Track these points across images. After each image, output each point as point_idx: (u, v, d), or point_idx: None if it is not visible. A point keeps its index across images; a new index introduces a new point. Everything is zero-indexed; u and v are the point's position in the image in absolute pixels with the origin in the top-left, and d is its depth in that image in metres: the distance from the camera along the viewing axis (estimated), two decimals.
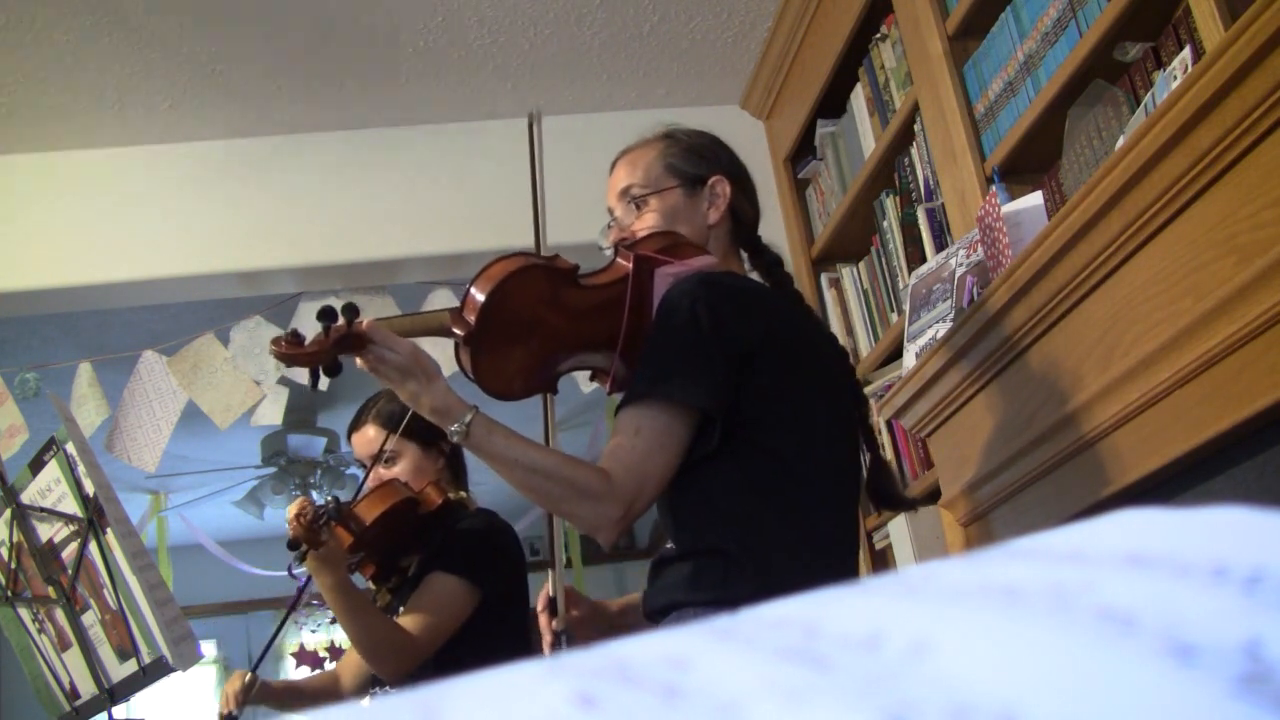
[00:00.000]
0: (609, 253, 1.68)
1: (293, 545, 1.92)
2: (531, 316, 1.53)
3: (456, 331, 1.47)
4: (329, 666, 6.35)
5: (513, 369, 1.53)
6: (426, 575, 2.14)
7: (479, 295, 1.48)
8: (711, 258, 1.62)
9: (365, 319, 1.43)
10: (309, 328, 1.42)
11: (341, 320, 1.40)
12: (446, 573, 2.13)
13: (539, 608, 1.72)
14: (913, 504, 1.94)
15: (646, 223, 1.68)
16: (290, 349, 1.39)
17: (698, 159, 1.73)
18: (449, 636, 2.10)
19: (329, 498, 2.01)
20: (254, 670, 2.14)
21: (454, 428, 1.44)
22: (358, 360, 1.43)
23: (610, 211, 1.75)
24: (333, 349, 1.39)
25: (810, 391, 1.56)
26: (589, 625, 1.73)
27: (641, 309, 1.57)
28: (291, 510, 1.94)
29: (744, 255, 1.78)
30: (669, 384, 1.46)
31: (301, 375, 1.56)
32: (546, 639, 1.68)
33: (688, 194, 1.70)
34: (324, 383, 1.43)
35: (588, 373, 1.67)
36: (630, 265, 1.58)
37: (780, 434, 1.52)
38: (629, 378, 1.55)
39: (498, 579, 2.19)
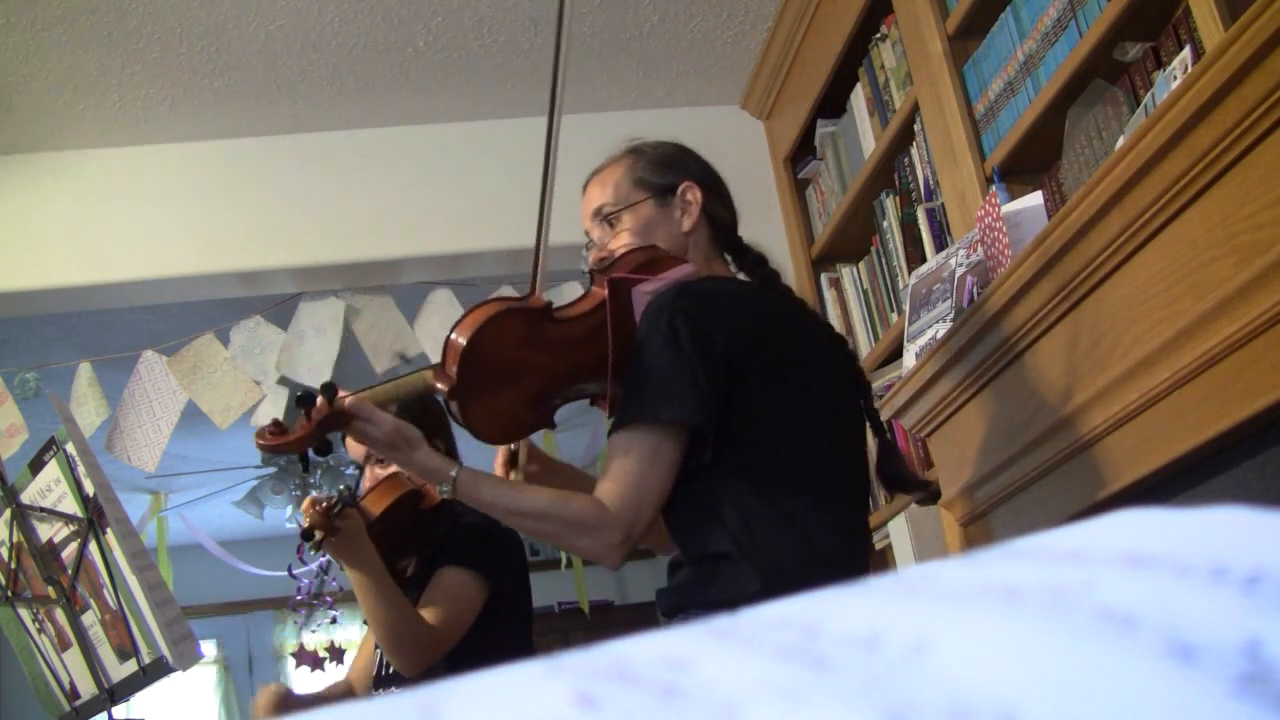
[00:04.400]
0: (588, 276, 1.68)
1: (307, 534, 1.89)
2: (514, 360, 1.53)
3: (440, 388, 1.48)
4: (329, 666, 6.36)
5: (505, 414, 1.54)
6: (436, 570, 2.15)
7: (457, 348, 1.48)
8: (689, 266, 1.60)
9: (346, 396, 1.44)
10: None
11: (322, 400, 1.41)
12: (457, 566, 2.13)
13: (498, 460, 1.74)
14: (925, 484, 1.89)
15: (623, 240, 1.67)
16: (275, 440, 1.41)
17: (664, 169, 1.72)
18: (465, 630, 2.10)
19: (341, 487, 2.00)
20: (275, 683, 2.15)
21: (442, 488, 1.49)
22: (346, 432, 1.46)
23: (588, 234, 1.75)
24: (317, 431, 1.41)
25: (805, 387, 1.55)
26: (546, 479, 1.77)
27: (625, 331, 1.55)
28: (306, 502, 1.93)
29: (729, 258, 1.77)
30: (654, 405, 1.46)
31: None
32: None
33: (659, 205, 1.69)
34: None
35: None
36: (605, 291, 1.57)
37: (777, 434, 1.51)
38: None
39: (504, 573, 2.19)
